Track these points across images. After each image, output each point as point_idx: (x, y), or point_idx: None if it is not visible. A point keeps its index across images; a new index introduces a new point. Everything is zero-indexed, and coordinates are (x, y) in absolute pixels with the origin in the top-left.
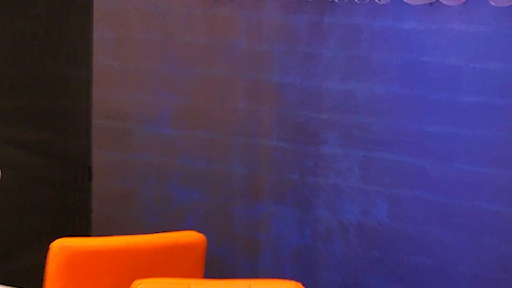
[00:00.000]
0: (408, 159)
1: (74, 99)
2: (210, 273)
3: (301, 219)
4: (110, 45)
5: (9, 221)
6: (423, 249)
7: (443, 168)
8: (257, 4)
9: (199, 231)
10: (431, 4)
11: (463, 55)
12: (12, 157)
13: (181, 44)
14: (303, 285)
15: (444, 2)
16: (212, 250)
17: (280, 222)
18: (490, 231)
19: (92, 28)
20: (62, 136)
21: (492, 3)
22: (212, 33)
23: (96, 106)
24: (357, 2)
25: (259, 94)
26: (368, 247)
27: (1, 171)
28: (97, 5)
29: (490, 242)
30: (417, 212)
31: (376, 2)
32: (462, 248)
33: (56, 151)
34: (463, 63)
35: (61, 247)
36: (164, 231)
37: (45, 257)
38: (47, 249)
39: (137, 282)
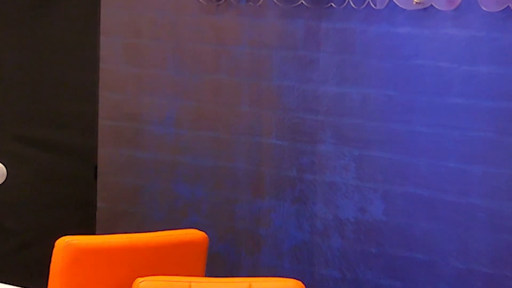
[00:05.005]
0: (400, 157)
1: (81, 101)
2: (212, 269)
3: (299, 215)
4: (119, 51)
5: (17, 217)
6: (416, 244)
7: (433, 165)
8: (257, 10)
9: (202, 227)
10: (424, 9)
11: (454, 58)
12: (22, 154)
13: (186, 50)
14: (302, 282)
15: (437, 7)
16: (215, 246)
17: (279, 218)
18: (478, 226)
19: (99, 35)
20: (70, 135)
21: (483, 8)
22: (216, 39)
23: (103, 108)
24: (354, 7)
25: (260, 97)
26: (365, 243)
27: (7, 170)
28: (104, 14)
29: (478, 236)
30: (410, 208)
31: (372, 7)
32: (452, 242)
33: (64, 150)
34: (454, 66)
35: (66, 245)
36: (169, 228)
37: (50, 253)
38: (53, 246)
39: (139, 279)
